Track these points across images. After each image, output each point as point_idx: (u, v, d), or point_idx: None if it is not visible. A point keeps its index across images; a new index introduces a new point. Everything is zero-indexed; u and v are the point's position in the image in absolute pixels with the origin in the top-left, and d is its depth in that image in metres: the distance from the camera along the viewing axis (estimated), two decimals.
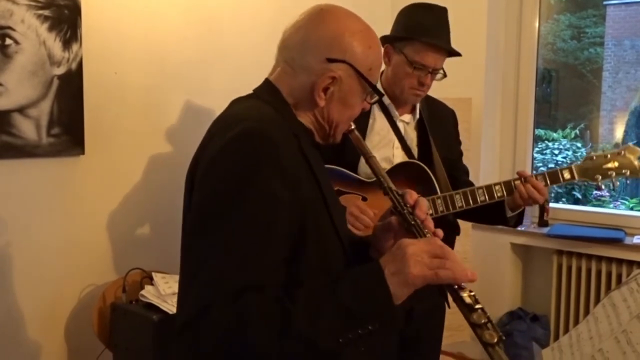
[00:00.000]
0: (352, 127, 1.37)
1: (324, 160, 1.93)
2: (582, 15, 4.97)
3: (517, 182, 2.03)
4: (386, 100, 2.11)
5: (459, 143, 2.31)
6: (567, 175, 2.06)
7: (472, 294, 1.11)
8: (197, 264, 1.11)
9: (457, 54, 2.07)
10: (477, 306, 1.09)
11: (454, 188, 2.12)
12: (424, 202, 1.26)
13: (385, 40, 2.07)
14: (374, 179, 2.02)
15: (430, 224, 1.24)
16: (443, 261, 1.09)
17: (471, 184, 2.24)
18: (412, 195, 1.27)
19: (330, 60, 1.24)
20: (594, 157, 2.06)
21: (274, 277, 1.10)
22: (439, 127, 2.18)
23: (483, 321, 1.07)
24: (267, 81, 1.33)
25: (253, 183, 1.11)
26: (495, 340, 1.06)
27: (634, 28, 4.77)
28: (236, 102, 1.34)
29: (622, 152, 2.04)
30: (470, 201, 2.05)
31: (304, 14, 1.30)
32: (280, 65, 1.31)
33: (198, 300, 1.06)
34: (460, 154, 2.31)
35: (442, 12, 2.07)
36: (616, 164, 2.04)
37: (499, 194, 2.05)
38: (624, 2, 4.87)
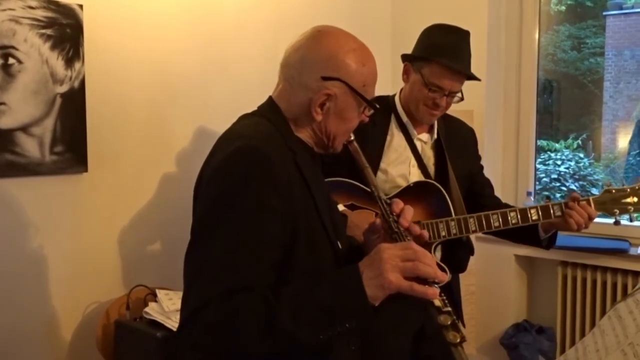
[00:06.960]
0: (352, 138, 1.45)
1: (342, 175, 2.02)
2: (582, 26, 4.99)
3: (558, 207, 2.01)
4: (404, 118, 2.11)
5: (479, 159, 2.30)
6: None
7: (443, 297, 1.23)
8: (195, 271, 1.22)
9: (476, 79, 2.05)
10: (445, 309, 1.22)
11: (479, 203, 2.12)
12: (409, 211, 1.37)
13: (405, 58, 2.09)
14: (390, 194, 2.04)
15: (415, 228, 1.35)
16: (415, 263, 1.18)
17: (496, 198, 2.23)
18: (398, 205, 1.38)
19: (326, 79, 1.33)
20: (613, 191, 2.04)
21: (263, 279, 1.19)
22: (457, 145, 2.17)
23: (449, 323, 1.21)
24: (269, 99, 1.43)
25: (246, 194, 1.21)
26: (458, 340, 1.21)
27: (633, 38, 4.78)
28: (242, 119, 1.44)
29: None
30: (485, 225, 2.02)
31: (303, 34, 1.40)
32: (281, 83, 1.41)
33: (194, 301, 1.17)
34: (481, 167, 2.30)
35: (464, 35, 2.04)
36: (635, 199, 2.02)
37: (513, 221, 2.02)
38: (624, 13, 4.89)
